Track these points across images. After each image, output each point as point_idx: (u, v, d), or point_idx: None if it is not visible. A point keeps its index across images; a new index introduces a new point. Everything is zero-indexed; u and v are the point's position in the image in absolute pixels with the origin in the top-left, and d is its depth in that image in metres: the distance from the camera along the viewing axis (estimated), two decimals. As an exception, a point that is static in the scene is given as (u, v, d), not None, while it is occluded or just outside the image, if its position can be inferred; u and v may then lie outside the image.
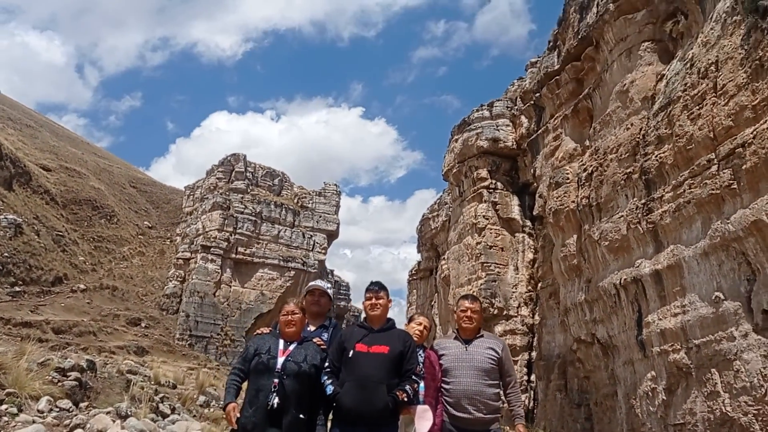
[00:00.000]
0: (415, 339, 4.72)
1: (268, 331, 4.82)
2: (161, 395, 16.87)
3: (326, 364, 4.42)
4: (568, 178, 27.09)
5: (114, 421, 11.29)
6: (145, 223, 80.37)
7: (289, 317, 4.44)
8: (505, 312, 34.68)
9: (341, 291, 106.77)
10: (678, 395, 19.52)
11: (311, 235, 74.74)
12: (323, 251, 75.58)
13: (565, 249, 27.44)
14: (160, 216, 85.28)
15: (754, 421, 15.95)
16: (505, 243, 36.14)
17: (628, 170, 22.01)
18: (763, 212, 16.01)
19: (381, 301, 4.55)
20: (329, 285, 5.33)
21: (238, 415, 4.18)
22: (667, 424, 19.84)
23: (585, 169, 25.37)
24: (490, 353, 4.51)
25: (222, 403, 4.36)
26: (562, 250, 27.77)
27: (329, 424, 4.23)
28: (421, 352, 4.77)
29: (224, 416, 4.29)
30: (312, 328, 4.95)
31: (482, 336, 4.76)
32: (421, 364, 4.57)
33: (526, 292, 34.97)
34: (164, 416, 14.45)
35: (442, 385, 4.55)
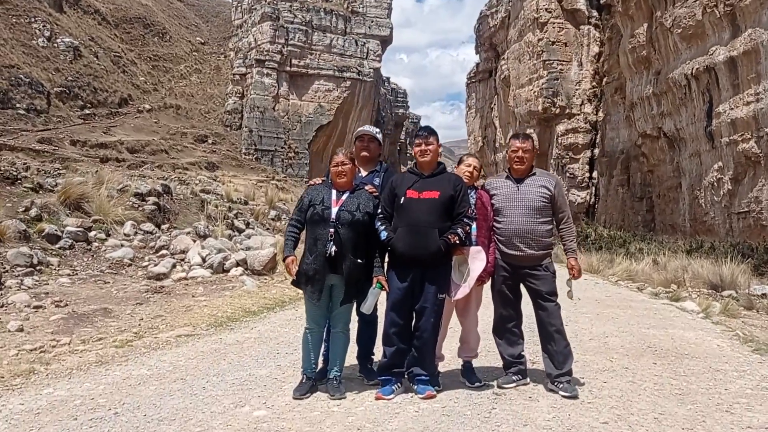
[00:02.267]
0: (466, 181, 4.61)
1: (320, 182, 4.75)
2: (235, 212, 17.43)
3: (379, 210, 4.45)
4: (640, -40, 24.82)
5: (195, 241, 11.58)
6: (197, 38, 79.50)
7: (339, 168, 4.44)
8: (567, 111, 34.09)
9: (398, 98, 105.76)
10: (744, 184, 19.56)
11: (364, 42, 72.47)
12: (378, 59, 73.76)
13: (634, 40, 26.00)
14: (211, 30, 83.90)
15: (821, 205, 16.06)
16: (569, 37, 34.36)
17: (709, -54, 19.95)
18: None
19: (431, 147, 4.44)
20: (377, 130, 5.22)
21: (297, 267, 4.38)
22: (730, 213, 20.16)
23: (660, -52, 23.09)
24: (543, 191, 4.45)
25: (282, 254, 4.58)
26: (630, 41, 26.34)
27: (386, 267, 4.47)
28: (473, 193, 4.67)
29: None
30: (364, 173, 4.93)
31: (534, 174, 4.59)
32: (473, 206, 4.58)
33: (590, 89, 33.94)
34: (240, 231, 14.85)
35: (494, 224, 4.63)
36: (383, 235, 4.35)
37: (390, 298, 4.32)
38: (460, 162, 4.90)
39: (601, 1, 30.35)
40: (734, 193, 19.88)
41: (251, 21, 72.43)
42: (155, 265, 9.96)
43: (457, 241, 4.28)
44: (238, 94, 70.46)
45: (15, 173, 11.70)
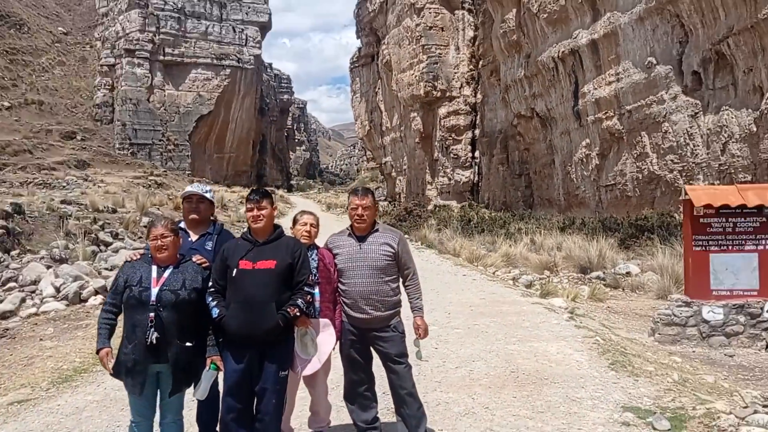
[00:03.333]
0: (304, 241, 4.29)
1: (138, 257, 4.06)
2: (101, 223, 16.19)
3: (210, 283, 3.96)
4: (506, -54, 25.63)
5: (49, 267, 10.49)
6: (59, 29, 73.88)
7: (159, 242, 3.84)
8: (448, 93, 34.87)
9: (282, 84, 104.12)
10: (610, 159, 20.90)
11: (242, 29, 70.52)
12: (257, 45, 72.05)
13: (505, 24, 26.92)
14: (74, 20, 78.22)
15: (679, 176, 17.40)
16: (445, 22, 35.05)
17: (568, -67, 20.91)
18: (699, -29, 15.80)
19: (264, 212, 4.00)
20: (209, 188, 4.66)
21: (113, 360, 3.76)
22: (599, 186, 21.50)
23: (523, -65, 23.94)
24: (386, 249, 4.20)
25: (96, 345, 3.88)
26: (501, 26, 27.25)
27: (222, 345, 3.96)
28: (314, 253, 4.32)
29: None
30: (194, 237, 4.38)
31: (377, 230, 4.34)
32: (315, 269, 4.23)
33: (468, 72, 34.88)
34: (107, 245, 13.72)
35: (339, 285, 4.35)
36: (214, 312, 3.90)
37: (225, 381, 3.90)
38: (294, 222, 4.52)
39: (473, -14, 31.16)
40: (601, 168, 21.18)
41: (118, 9, 68.24)
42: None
43: (298, 314, 3.87)
44: (107, 86, 66.38)
45: None
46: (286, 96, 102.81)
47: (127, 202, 24.60)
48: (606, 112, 20.26)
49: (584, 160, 21.98)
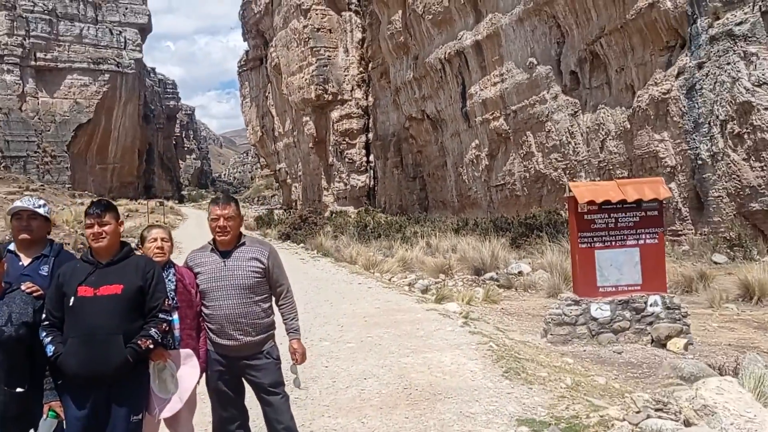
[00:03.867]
0: (158, 260, 3.65)
1: None
2: None
3: (44, 315, 3.30)
4: (389, -52, 25.64)
5: None
6: None
7: None
8: (339, 97, 34.54)
9: (168, 89, 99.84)
10: (498, 159, 21.32)
11: (120, 31, 66.89)
12: (138, 48, 68.63)
13: (392, 26, 26.94)
14: (-73, 23, 71.28)
15: (563, 174, 17.96)
16: (333, 24, 34.70)
17: (448, -64, 21.13)
18: (572, -26, 16.36)
19: (107, 228, 3.33)
20: (42, 201, 3.90)
21: None
22: (489, 186, 21.90)
23: (406, -63, 24.02)
24: (254, 265, 3.63)
25: None
26: (388, 28, 27.25)
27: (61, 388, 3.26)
28: (171, 272, 3.69)
29: None
30: (26, 261, 3.64)
31: (244, 244, 3.75)
32: (173, 291, 3.62)
33: (358, 74, 34.71)
34: None
35: (203, 309, 3.74)
36: (49, 350, 3.24)
37: (67, 431, 3.27)
38: (142, 239, 3.89)
39: (359, -12, 31.04)
40: (491, 168, 21.57)
41: (-21, 10, 62.68)
42: None
43: (151, 346, 3.23)
44: (-27, 95, 60.88)
45: None
46: (172, 102, 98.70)
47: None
48: (493, 113, 20.64)
49: (474, 161, 22.31)
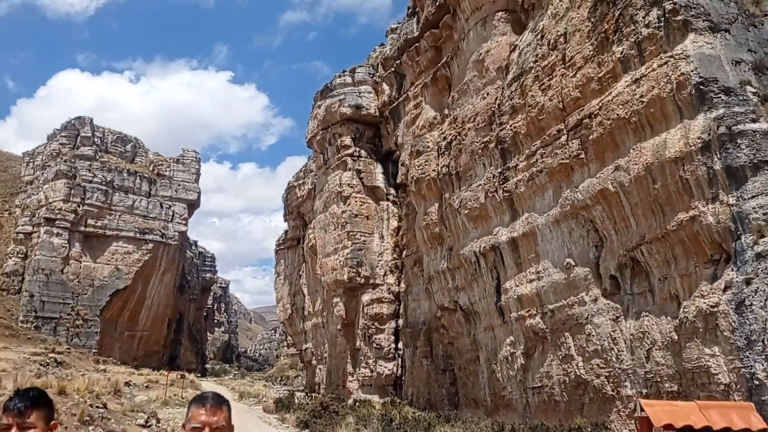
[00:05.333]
0: None
1: None
2: None
3: None
4: (428, 147, 27.00)
5: None
6: (-22, 195, 72.00)
7: None
8: (371, 281, 34.56)
9: (206, 262, 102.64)
10: (535, 359, 20.27)
11: (170, 205, 70.61)
12: (184, 222, 71.82)
13: (428, 217, 27.55)
14: (-4, 187, 76.74)
15: (606, 382, 16.79)
16: (370, 211, 35.83)
17: (485, 139, 22.16)
18: (608, 181, 16.58)
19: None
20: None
21: None
22: (526, 388, 20.59)
23: (445, 138, 25.34)
24: None
25: None
26: (424, 219, 27.87)
27: None
28: None
29: None
30: None
31: None
32: None
33: (391, 260, 35.01)
34: None
35: None
36: None
37: None
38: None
39: (398, 181, 32.34)
40: (527, 368, 20.43)
41: (44, 178, 67.57)
42: None
43: None
44: (20, 255, 63.44)
45: None
46: (209, 274, 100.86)
47: (9, 382, 21.59)
48: (528, 310, 20.03)
49: (509, 358, 21.28)
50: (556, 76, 18.11)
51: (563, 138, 18.23)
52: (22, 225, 65.31)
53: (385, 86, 35.12)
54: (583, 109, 17.36)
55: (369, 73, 37.79)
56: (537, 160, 19.31)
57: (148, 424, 21.69)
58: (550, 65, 18.34)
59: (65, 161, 65.85)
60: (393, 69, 32.38)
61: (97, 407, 20.81)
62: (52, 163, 67.17)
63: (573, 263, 18.19)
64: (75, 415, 18.16)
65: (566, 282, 18.41)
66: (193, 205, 74.49)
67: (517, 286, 20.71)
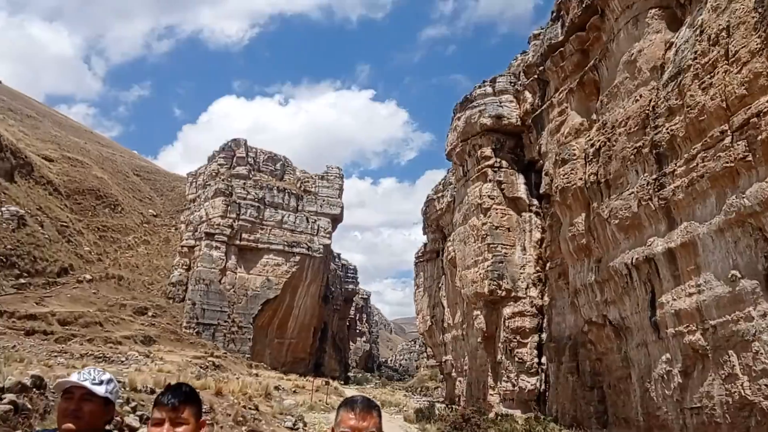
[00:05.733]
0: None
1: None
2: (134, 404, 14.92)
3: None
4: (574, 155, 26.15)
5: None
6: (150, 211, 79.92)
7: None
8: (513, 294, 33.96)
9: (349, 274, 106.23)
10: (694, 378, 18.80)
11: (315, 220, 74.16)
12: (328, 235, 75.04)
13: (573, 228, 26.60)
14: (165, 204, 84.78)
15: (776, 405, 15.25)
16: (512, 223, 35.29)
17: (638, 144, 21.06)
18: (782, 185, 15.16)
19: (182, 429, 2.56)
20: (107, 376, 2.89)
21: None
22: (683, 408, 19.14)
23: (592, 144, 24.42)
24: None
25: None
26: (570, 230, 26.93)
27: None
28: None
29: None
30: None
31: None
32: None
33: (534, 273, 34.19)
34: (133, 430, 12.38)
35: None
36: None
37: None
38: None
39: (541, 191, 31.59)
40: (685, 387, 19.02)
41: (204, 196, 73.78)
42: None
43: None
44: (184, 266, 69.46)
45: None
46: (351, 286, 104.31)
47: (173, 382, 23.72)
48: (688, 326, 18.65)
49: (665, 377, 19.91)
50: (718, 73, 16.89)
51: (727, 140, 16.90)
52: (186, 239, 71.56)
53: (528, 94, 34.58)
54: (749, 108, 16.01)
55: (510, 82, 37.43)
56: (697, 164, 18.04)
57: (296, 427, 22.80)
58: (711, 62, 17.15)
59: (223, 180, 71.47)
60: (536, 76, 31.83)
61: (250, 409, 22.29)
62: (211, 182, 73.20)
63: (739, 275, 16.72)
64: (230, 415, 19.59)
65: (731, 296, 16.95)
66: (336, 220, 77.65)
67: (675, 300, 19.37)
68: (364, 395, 2.94)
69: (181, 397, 2.59)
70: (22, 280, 51.88)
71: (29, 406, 9.86)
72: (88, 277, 59.61)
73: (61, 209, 64.98)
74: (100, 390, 2.77)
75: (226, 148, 76.17)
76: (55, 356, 34.79)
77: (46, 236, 58.36)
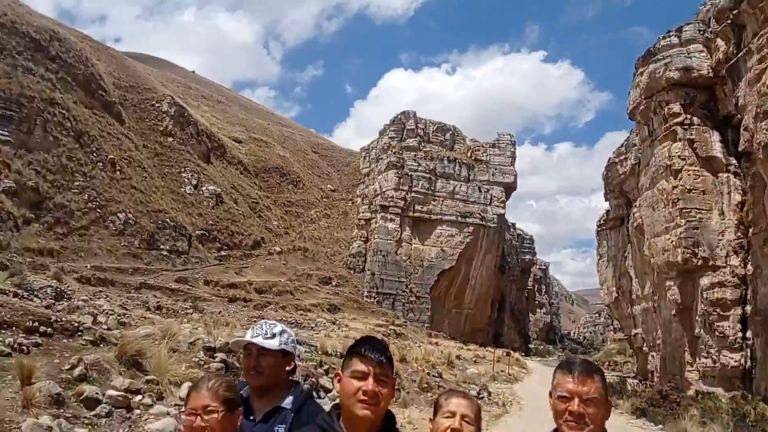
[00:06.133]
0: None
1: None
2: (326, 367, 15.62)
3: None
4: (783, 105, 22.98)
5: None
6: (328, 186, 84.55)
7: (196, 421, 2.30)
8: (711, 262, 30.94)
9: (525, 244, 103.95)
10: None
11: (488, 189, 73.27)
12: (501, 204, 73.87)
13: (785, 188, 23.52)
14: (341, 179, 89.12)
15: None
16: (707, 185, 32.01)
17: None
18: None
19: (386, 390, 2.38)
20: (279, 328, 2.95)
21: None
22: None
23: (808, 92, 21.27)
24: None
25: None
26: (779, 190, 23.86)
27: None
28: None
29: None
30: (258, 413, 2.82)
31: None
32: None
33: (735, 239, 30.80)
34: (327, 391, 12.75)
35: None
36: None
37: None
38: (436, 409, 2.62)
39: (740, 149, 28.26)
40: None
41: (378, 169, 76.21)
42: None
43: None
44: (362, 238, 72.63)
45: (76, 324, 10.57)
46: (528, 256, 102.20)
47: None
48: None
49: None
50: None
51: None
52: (362, 212, 74.68)
53: (720, 42, 30.94)
54: None
55: (699, 30, 33.70)
56: None
57: (480, 396, 22.94)
58: None
59: (394, 153, 73.22)
60: (729, 21, 28.36)
61: (434, 376, 22.82)
62: (383, 156, 75.36)
63: None
64: (415, 381, 20.23)
65: None
66: (509, 188, 76.19)
67: None
68: (585, 359, 2.75)
69: (388, 353, 2.46)
70: (222, 253, 57.91)
71: (237, 365, 11.07)
72: (278, 249, 64.80)
73: (251, 187, 71.20)
74: (274, 343, 2.83)
75: (396, 122, 77.77)
76: (255, 321, 38.46)
77: (240, 212, 64.41)
